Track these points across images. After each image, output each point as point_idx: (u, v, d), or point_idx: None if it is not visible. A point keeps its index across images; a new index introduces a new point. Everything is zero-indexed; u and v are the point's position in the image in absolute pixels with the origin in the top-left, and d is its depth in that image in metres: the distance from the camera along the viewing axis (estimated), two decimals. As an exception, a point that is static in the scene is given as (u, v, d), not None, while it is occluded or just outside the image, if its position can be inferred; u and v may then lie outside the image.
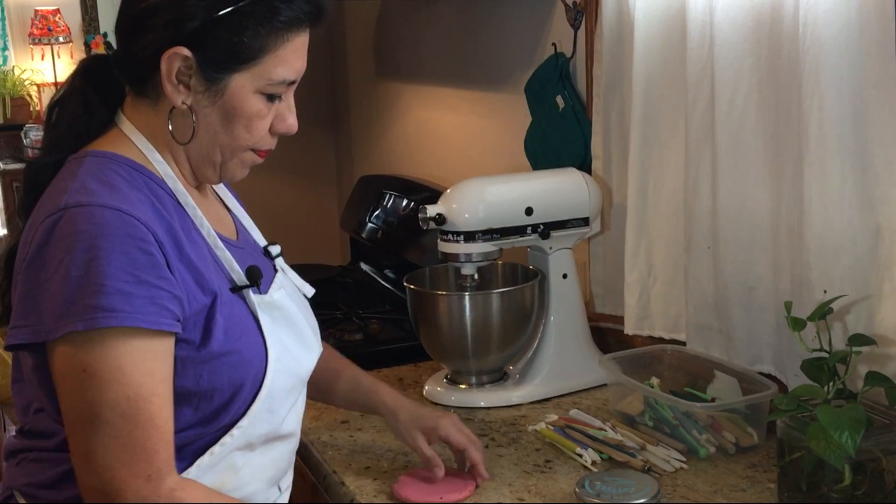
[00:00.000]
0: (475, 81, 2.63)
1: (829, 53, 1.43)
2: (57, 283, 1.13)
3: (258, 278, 1.31)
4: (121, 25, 1.29)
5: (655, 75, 1.82)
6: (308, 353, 1.38)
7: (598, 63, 1.99)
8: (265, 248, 1.42)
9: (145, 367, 1.14)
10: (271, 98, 1.28)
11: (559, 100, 2.13)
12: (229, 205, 1.45)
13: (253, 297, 1.29)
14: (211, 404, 1.22)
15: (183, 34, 1.22)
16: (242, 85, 1.25)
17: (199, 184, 1.35)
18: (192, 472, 1.24)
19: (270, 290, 1.34)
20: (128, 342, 1.13)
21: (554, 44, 2.16)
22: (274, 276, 1.38)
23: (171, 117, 1.27)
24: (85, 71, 1.33)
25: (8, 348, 1.17)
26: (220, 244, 1.30)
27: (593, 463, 1.56)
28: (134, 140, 1.28)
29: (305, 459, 1.66)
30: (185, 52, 1.22)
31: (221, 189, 1.45)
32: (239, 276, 1.30)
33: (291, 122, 1.31)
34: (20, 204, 1.32)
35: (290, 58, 1.27)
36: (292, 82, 1.29)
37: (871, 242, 1.47)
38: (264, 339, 1.28)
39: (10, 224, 5.59)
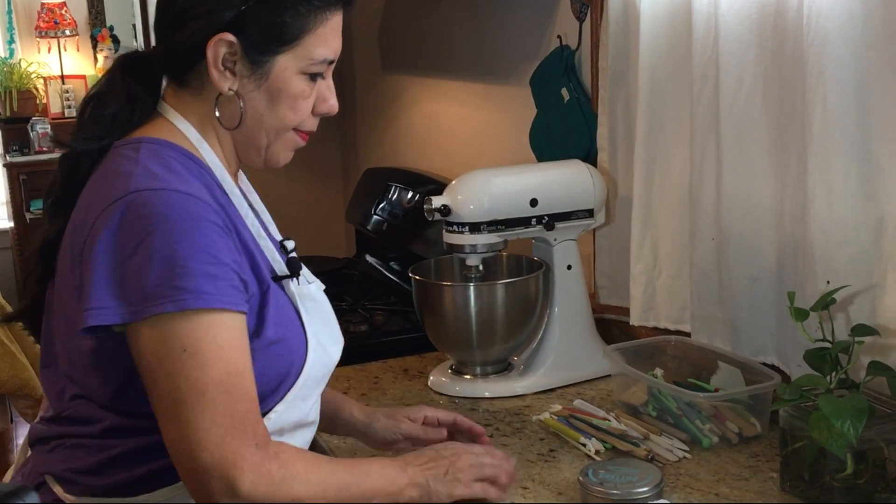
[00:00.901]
0: (480, 74, 2.63)
1: (833, 45, 1.44)
2: (140, 265, 1.14)
3: (298, 269, 1.34)
4: (161, 19, 1.31)
5: (660, 67, 1.82)
6: (335, 345, 1.41)
7: (603, 55, 2.00)
8: (281, 242, 1.43)
9: (237, 344, 1.17)
10: (313, 78, 1.31)
11: (564, 92, 2.14)
12: (251, 199, 1.46)
13: (293, 287, 1.32)
14: (258, 390, 1.24)
15: (226, 20, 1.25)
16: (286, 66, 1.28)
17: (234, 173, 1.37)
18: None
19: (304, 282, 1.37)
20: (219, 321, 1.16)
21: (559, 36, 2.17)
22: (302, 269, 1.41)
23: (218, 104, 1.30)
24: (125, 66, 1.34)
25: (86, 330, 1.17)
26: (264, 234, 1.33)
27: (597, 452, 1.57)
28: (181, 128, 1.30)
29: (312, 447, 1.67)
30: (230, 37, 1.25)
31: (245, 184, 1.46)
32: (280, 267, 1.33)
33: (333, 103, 1.35)
34: (59, 191, 1.32)
35: (329, 37, 1.30)
36: (332, 62, 1.32)
37: (874, 233, 1.47)
38: (304, 329, 1.31)
39: (16, 216, 5.61)
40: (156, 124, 1.31)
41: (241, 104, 1.29)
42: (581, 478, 1.41)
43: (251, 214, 1.33)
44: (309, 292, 1.36)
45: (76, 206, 1.27)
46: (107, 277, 1.16)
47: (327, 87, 1.34)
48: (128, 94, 1.31)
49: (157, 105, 1.33)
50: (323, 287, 1.45)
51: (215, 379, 1.14)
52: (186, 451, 1.14)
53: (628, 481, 1.38)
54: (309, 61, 1.29)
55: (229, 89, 1.28)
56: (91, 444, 1.27)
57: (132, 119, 1.31)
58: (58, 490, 1.29)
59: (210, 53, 1.25)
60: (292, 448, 1.23)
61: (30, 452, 1.37)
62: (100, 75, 6.25)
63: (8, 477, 1.44)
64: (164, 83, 1.34)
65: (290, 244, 1.42)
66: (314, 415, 1.38)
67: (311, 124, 1.35)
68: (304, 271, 1.41)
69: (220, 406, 1.14)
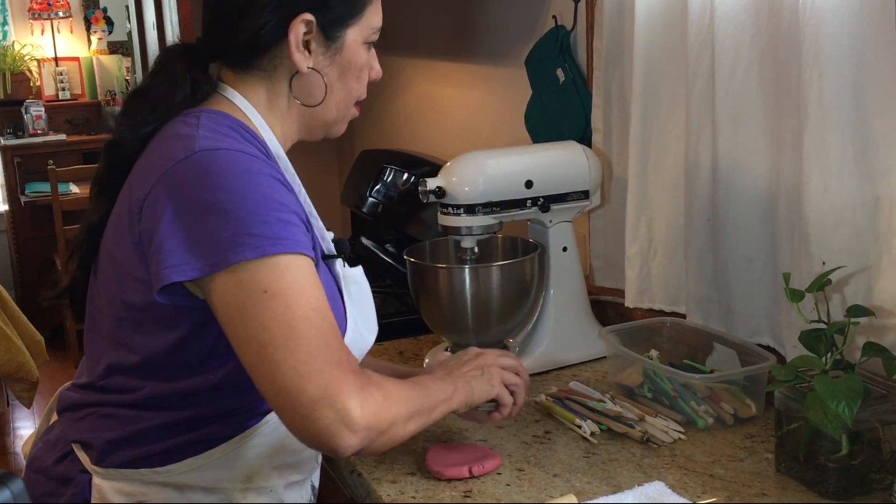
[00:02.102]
0: (476, 55, 2.62)
1: (829, 24, 1.43)
2: (214, 219, 1.16)
3: (346, 250, 1.37)
4: (223, 11, 1.33)
5: (656, 48, 1.81)
6: (370, 333, 1.43)
7: (598, 36, 1.99)
8: None
9: (314, 282, 1.20)
10: (368, 47, 1.38)
11: (559, 73, 2.13)
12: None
13: (338, 268, 1.34)
14: None
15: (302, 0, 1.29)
16: (355, 38, 1.35)
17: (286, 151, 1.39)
18: (268, 426, 1.31)
19: (347, 266, 1.38)
20: (295, 263, 1.18)
21: (554, 16, 2.16)
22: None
23: (293, 84, 1.33)
24: (184, 57, 1.35)
25: (162, 293, 1.19)
26: (314, 212, 1.35)
27: (592, 434, 1.57)
28: (241, 107, 1.33)
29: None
30: (309, 16, 1.29)
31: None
32: (328, 246, 1.35)
33: (378, 69, 1.42)
34: (105, 176, 1.34)
35: (379, 5, 1.38)
36: (381, 28, 1.39)
37: (870, 214, 1.47)
38: (345, 310, 1.33)
39: (10, 199, 5.60)
40: (215, 101, 1.34)
41: (325, 80, 1.33)
42: None
43: (304, 192, 1.34)
44: (353, 275, 1.38)
45: (134, 171, 1.29)
46: (181, 235, 1.17)
47: (373, 56, 1.41)
48: (192, 81, 1.33)
49: (216, 88, 1.35)
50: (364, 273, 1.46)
51: (301, 315, 1.16)
52: (287, 391, 1.14)
53: None
54: (371, 30, 1.36)
55: (309, 68, 1.31)
56: (125, 415, 1.28)
57: (196, 99, 1.33)
58: (83, 457, 1.30)
59: (292, 35, 1.29)
60: (374, 373, 1.26)
61: (54, 418, 1.38)
62: (94, 57, 6.20)
63: (28, 445, 1.45)
64: (219, 68, 1.37)
65: (329, 234, 1.43)
66: None
67: (365, 93, 1.41)
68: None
69: (312, 339, 1.15)
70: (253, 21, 1.30)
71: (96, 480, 1.28)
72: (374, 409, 1.17)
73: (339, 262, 1.35)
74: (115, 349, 1.29)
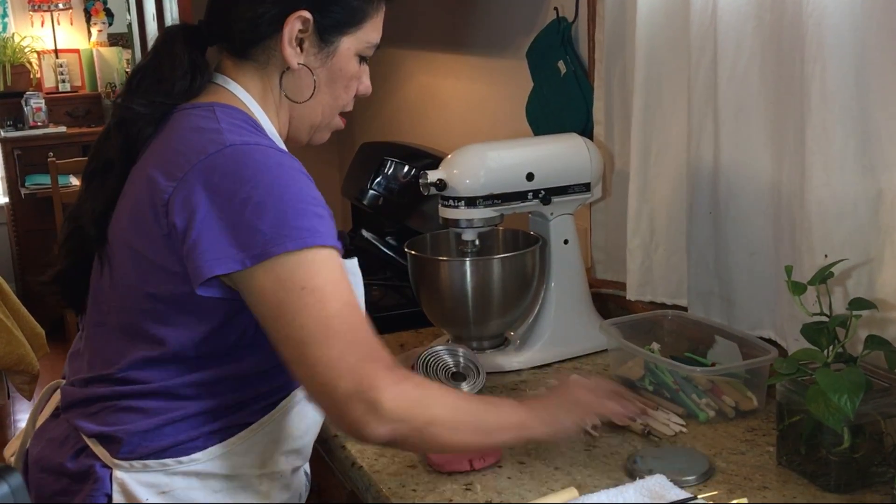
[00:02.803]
0: (477, 47, 2.61)
1: (831, 16, 1.42)
2: (253, 212, 1.18)
3: (347, 243, 1.36)
4: None
5: (658, 39, 1.81)
6: None
7: (600, 27, 1.98)
8: None
9: (345, 278, 1.22)
10: (361, 60, 1.40)
11: (561, 65, 2.12)
12: None
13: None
14: None
15: None
16: (349, 47, 1.36)
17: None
18: (280, 412, 1.33)
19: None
20: (329, 258, 1.20)
21: (556, 8, 2.15)
22: None
23: (283, 79, 1.35)
24: (184, 37, 1.36)
25: (202, 286, 1.20)
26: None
27: (593, 427, 1.56)
28: (241, 98, 1.34)
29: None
30: (307, 14, 1.30)
31: None
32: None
33: (368, 84, 1.44)
34: (115, 155, 1.33)
35: (380, 23, 1.40)
36: (378, 46, 1.40)
37: (872, 207, 1.47)
38: None
39: (10, 192, 5.59)
40: (216, 93, 1.35)
41: (315, 78, 1.34)
42: (629, 465, 1.42)
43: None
44: (351, 267, 1.39)
45: (143, 163, 1.29)
46: (220, 228, 1.19)
47: (365, 71, 1.42)
48: (190, 62, 1.34)
49: (213, 76, 1.36)
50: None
51: (335, 312, 1.18)
52: (323, 386, 1.17)
53: (677, 469, 1.39)
54: (366, 44, 1.38)
55: (298, 64, 1.33)
56: (152, 406, 1.28)
57: (193, 86, 1.34)
58: (100, 452, 1.30)
59: (287, 29, 1.30)
60: (410, 374, 1.28)
61: (44, 418, 1.38)
62: (94, 49, 6.20)
63: (13, 448, 1.45)
64: (219, 55, 1.38)
65: None
66: None
67: (351, 105, 1.42)
68: None
69: (345, 335, 1.18)
70: (252, 8, 1.31)
71: (118, 474, 1.28)
72: (408, 403, 1.19)
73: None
74: (135, 341, 1.29)
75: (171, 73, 1.32)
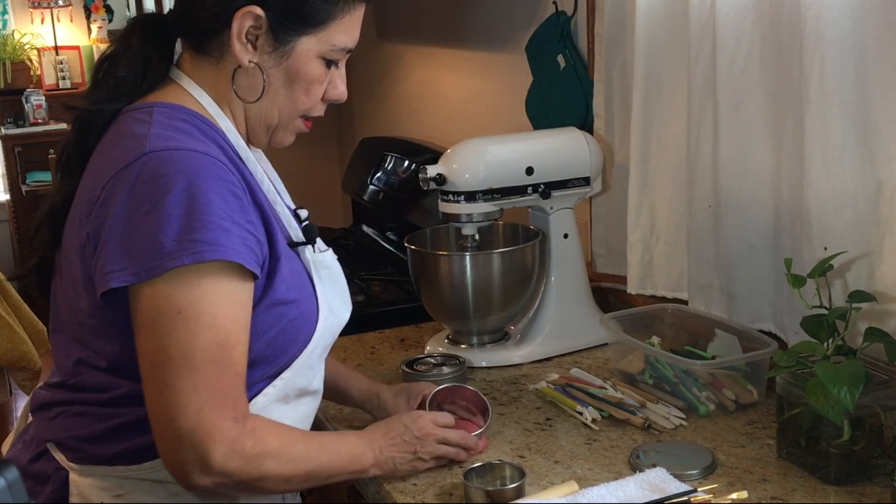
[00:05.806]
0: (476, 42, 2.61)
1: (830, 8, 1.42)
2: (155, 223, 1.14)
3: (315, 236, 1.35)
4: None
5: (657, 33, 1.80)
6: (345, 313, 1.41)
7: (599, 21, 1.98)
8: (294, 211, 1.42)
9: (234, 314, 1.17)
10: (329, 64, 1.31)
11: (560, 59, 2.12)
12: (265, 167, 1.45)
13: (308, 254, 1.33)
14: (265, 354, 1.25)
15: None
16: (308, 48, 1.28)
17: (246, 142, 1.36)
18: None
19: (318, 250, 1.37)
20: (223, 283, 1.16)
21: (555, 2, 2.15)
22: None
23: (235, 76, 1.29)
24: (142, 29, 1.33)
25: (104, 295, 1.17)
26: (280, 200, 1.33)
27: (593, 421, 1.57)
28: (195, 95, 1.30)
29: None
30: (258, 10, 1.25)
31: (258, 152, 1.45)
32: (296, 233, 1.34)
33: (342, 90, 1.35)
34: (71, 152, 1.31)
35: (351, 26, 1.31)
36: (349, 51, 1.32)
37: (871, 199, 1.46)
38: (317, 296, 1.32)
39: (11, 189, 5.59)
40: (168, 90, 1.31)
41: (265, 77, 1.29)
42: (632, 459, 1.42)
43: (266, 180, 1.33)
44: (324, 260, 1.37)
45: (87, 168, 1.27)
46: (122, 240, 1.16)
47: (339, 75, 1.34)
48: (143, 57, 1.30)
49: (169, 70, 1.33)
50: (335, 256, 1.45)
51: (203, 346, 1.14)
52: (163, 414, 1.15)
53: (680, 463, 1.39)
54: (331, 47, 1.30)
55: (249, 62, 1.27)
56: (97, 413, 1.27)
57: (143, 82, 1.30)
58: (60, 457, 1.29)
59: (235, 24, 1.25)
60: (270, 424, 1.23)
61: (30, 419, 1.38)
62: (94, 46, 6.19)
63: (8, 443, 1.45)
64: (180, 49, 1.34)
65: (303, 213, 1.42)
66: (318, 383, 1.39)
67: (319, 110, 1.36)
68: (320, 239, 1.41)
69: (203, 374, 1.14)
70: (204, 1, 1.27)
71: (73, 477, 1.27)
72: (239, 463, 1.16)
73: (308, 249, 1.34)
74: (82, 349, 1.27)
75: (123, 68, 1.29)
